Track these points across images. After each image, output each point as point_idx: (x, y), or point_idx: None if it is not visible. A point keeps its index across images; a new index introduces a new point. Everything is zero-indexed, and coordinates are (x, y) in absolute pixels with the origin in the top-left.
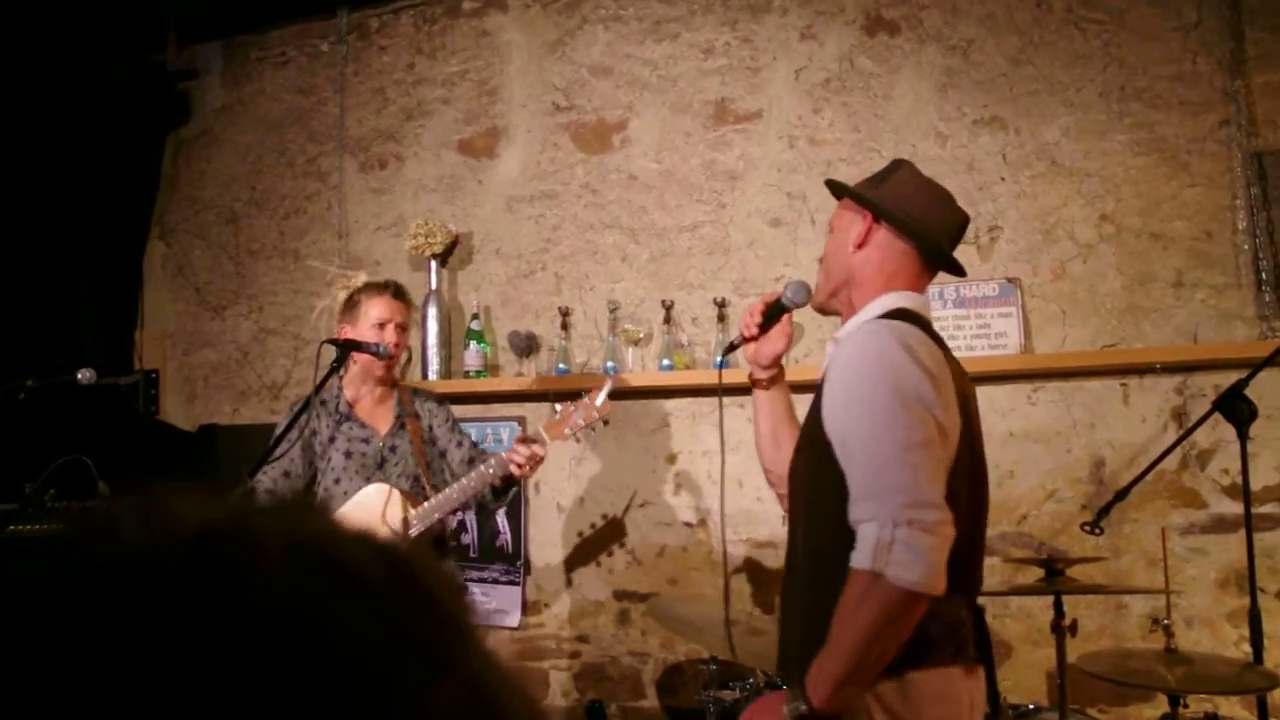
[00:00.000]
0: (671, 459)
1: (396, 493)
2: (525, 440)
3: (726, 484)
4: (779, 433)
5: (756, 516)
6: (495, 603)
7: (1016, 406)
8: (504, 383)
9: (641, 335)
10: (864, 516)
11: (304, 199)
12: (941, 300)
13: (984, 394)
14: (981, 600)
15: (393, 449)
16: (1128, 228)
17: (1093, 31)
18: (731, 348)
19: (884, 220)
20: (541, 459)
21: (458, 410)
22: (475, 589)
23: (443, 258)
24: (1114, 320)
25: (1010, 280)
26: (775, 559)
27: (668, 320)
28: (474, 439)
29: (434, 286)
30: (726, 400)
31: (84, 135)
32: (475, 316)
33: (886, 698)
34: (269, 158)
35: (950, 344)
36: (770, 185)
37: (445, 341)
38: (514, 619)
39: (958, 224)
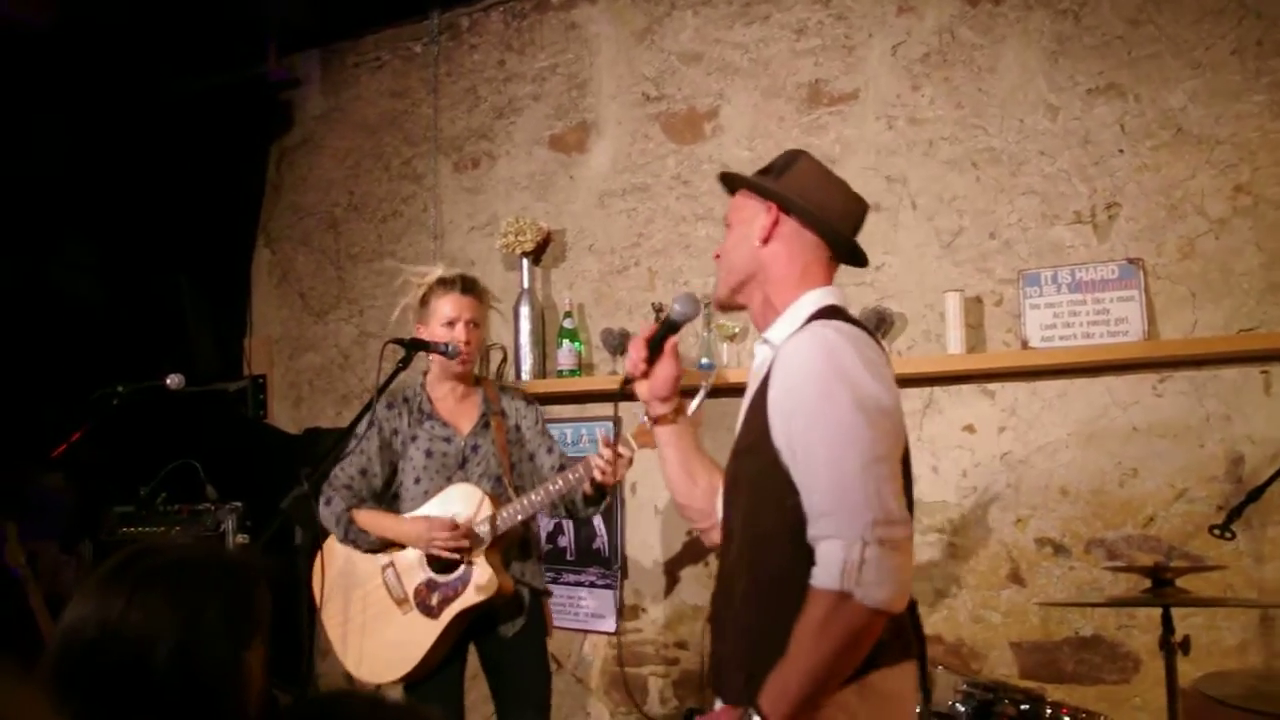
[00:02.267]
0: None
1: (483, 494)
2: (610, 445)
3: None
4: (691, 466)
5: None
6: (592, 607)
7: (1140, 398)
8: (598, 382)
9: (737, 330)
10: (826, 533)
11: (400, 201)
12: (1055, 284)
13: (1103, 384)
14: (1091, 610)
15: (474, 448)
16: (1267, 199)
17: None
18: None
19: (791, 212)
20: (627, 463)
21: (551, 410)
22: (573, 593)
23: (535, 255)
24: (1251, 301)
25: (1131, 261)
26: None
27: None
28: (569, 438)
29: (526, 285)
30: None
31: (192, 148)
32: (568, 315)
33: (846, 701)
34: (366, 162)
35: (1065, 331)
36: (868, 169)
37: (539, 341)
38: (610, 624)
39: (859, 214)
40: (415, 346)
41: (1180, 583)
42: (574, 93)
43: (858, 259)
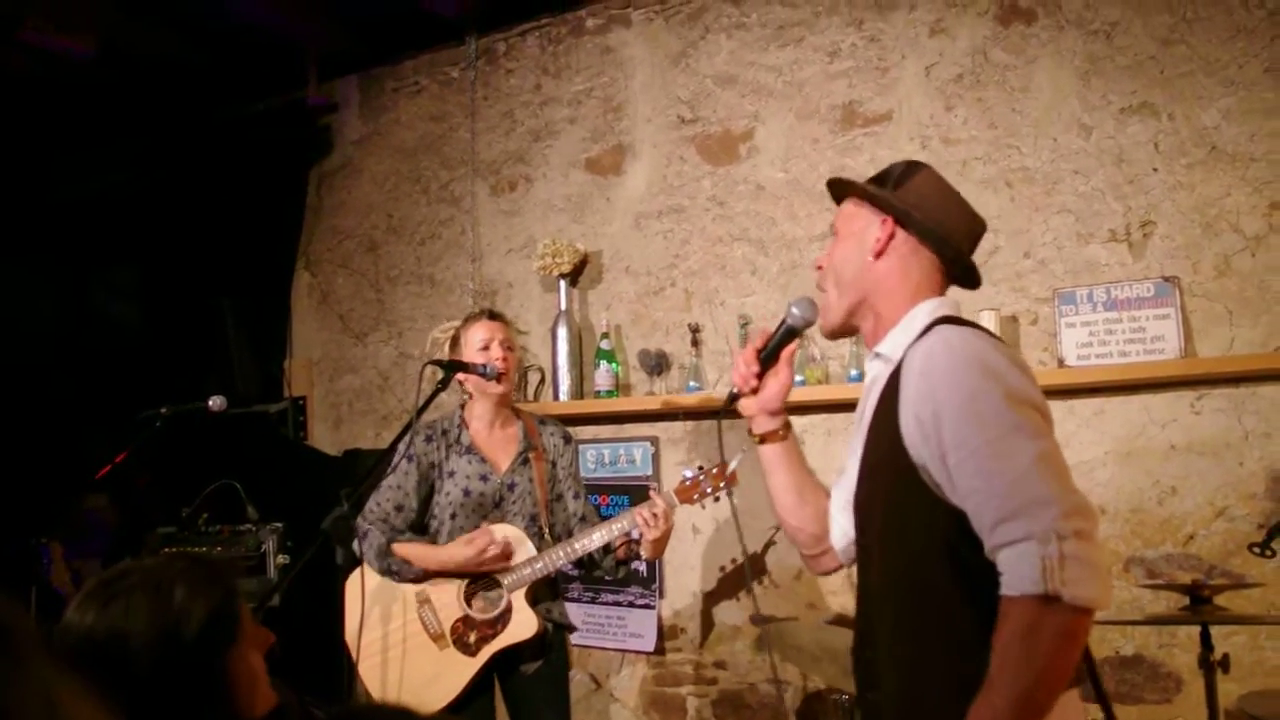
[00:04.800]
0: None
1: (526, 539)
2: (651, 509)
3: None
4: (803, 486)
5: None
6: (631, 627)
7: (1178, 416)
8: (635, 402)
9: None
10: (1013, 538)
11: (439, 224)
12: (1091, 303)
13: (1140, 402)
14: (1132, 629)
15: (511, 486)
16: None
17: (1255, 1)
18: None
19: (909, 226)
20: (668, 522)
21: (590, 431)
22: (612, 612)
23: (572, 277)
24: None
25: (1167, 279)
26: None
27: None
28: (606, 458)
29: (563, 306)
30: None
31: (234, 173)
32: (605, 336)
33: None
34: (405, 185)
35: (1101, 350)
36: None
37: (576, 362)
38: (650, 644)
39: (978, 233)
40: (454, 368)
41: (1220, 601)
42: (609, 116)
43: (972, 280)
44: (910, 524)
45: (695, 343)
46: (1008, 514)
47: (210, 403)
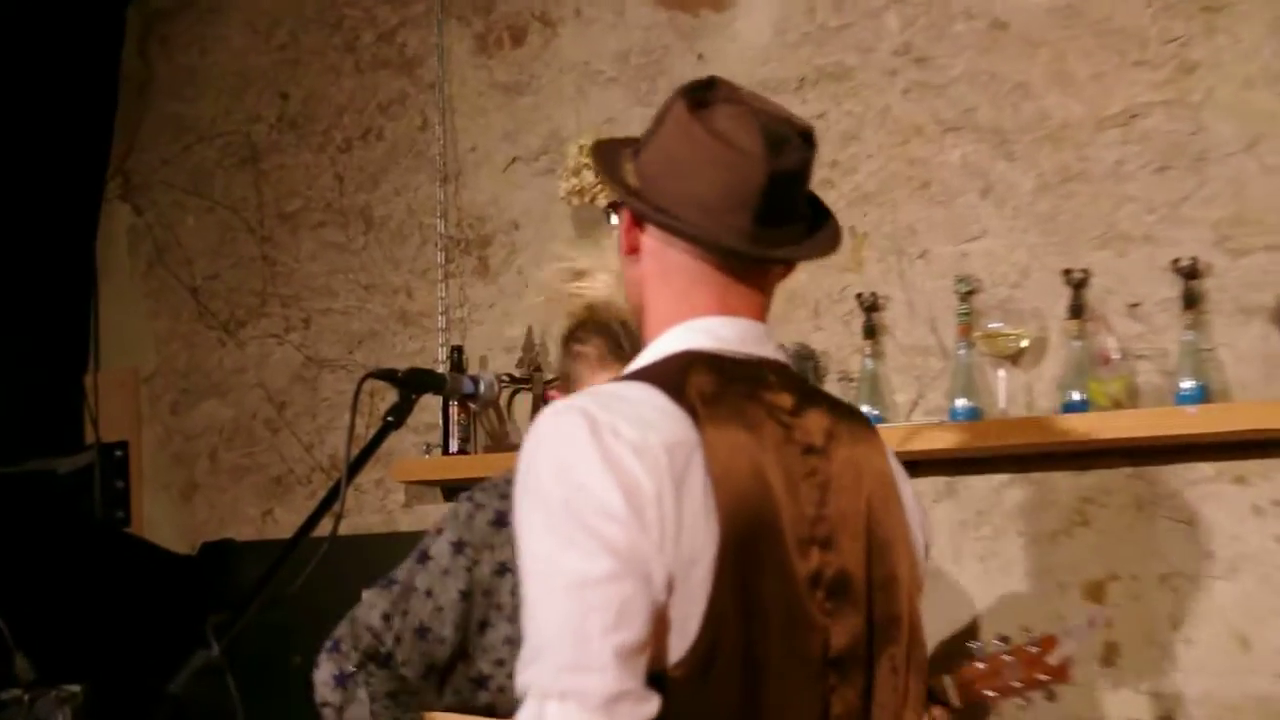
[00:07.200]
0: (1097, 589)
1: None
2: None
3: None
4: None
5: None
6: None
7: None
8: None
9: (1025, 343)
10: (523, 687)
11: (378, 111)
12: None
13: None
14: None
15: None
16: None
17: None
18: None
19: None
20: None
21: None
22: None
23: None
24: None
25: None
26: None
27: (1076, 311)
28: None
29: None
30: (1217, 469)
31: None
32: None
33: None
34: (311, 38)
35: None
36: None
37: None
38: None
39: (756, 190)
40: (416, 384)
41: None
42: None
43: (782, 258)
44: None
45: (870, 329)
46: (526, 657)
47: None
